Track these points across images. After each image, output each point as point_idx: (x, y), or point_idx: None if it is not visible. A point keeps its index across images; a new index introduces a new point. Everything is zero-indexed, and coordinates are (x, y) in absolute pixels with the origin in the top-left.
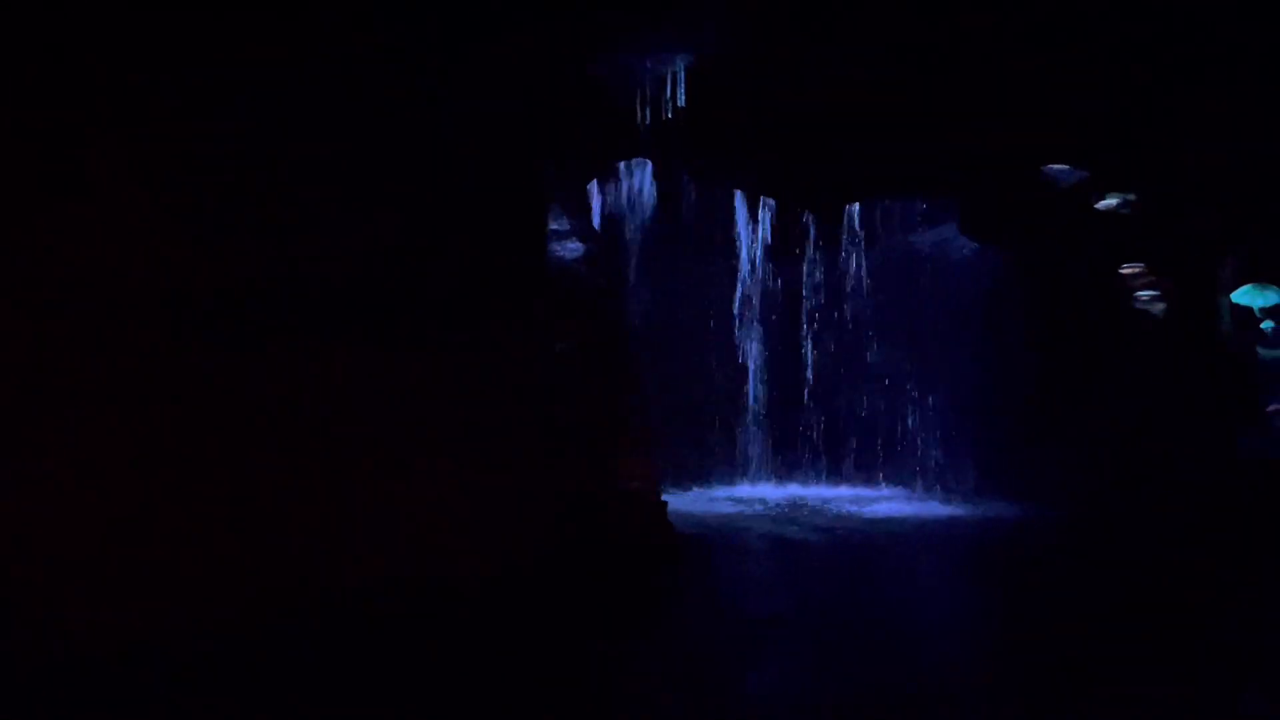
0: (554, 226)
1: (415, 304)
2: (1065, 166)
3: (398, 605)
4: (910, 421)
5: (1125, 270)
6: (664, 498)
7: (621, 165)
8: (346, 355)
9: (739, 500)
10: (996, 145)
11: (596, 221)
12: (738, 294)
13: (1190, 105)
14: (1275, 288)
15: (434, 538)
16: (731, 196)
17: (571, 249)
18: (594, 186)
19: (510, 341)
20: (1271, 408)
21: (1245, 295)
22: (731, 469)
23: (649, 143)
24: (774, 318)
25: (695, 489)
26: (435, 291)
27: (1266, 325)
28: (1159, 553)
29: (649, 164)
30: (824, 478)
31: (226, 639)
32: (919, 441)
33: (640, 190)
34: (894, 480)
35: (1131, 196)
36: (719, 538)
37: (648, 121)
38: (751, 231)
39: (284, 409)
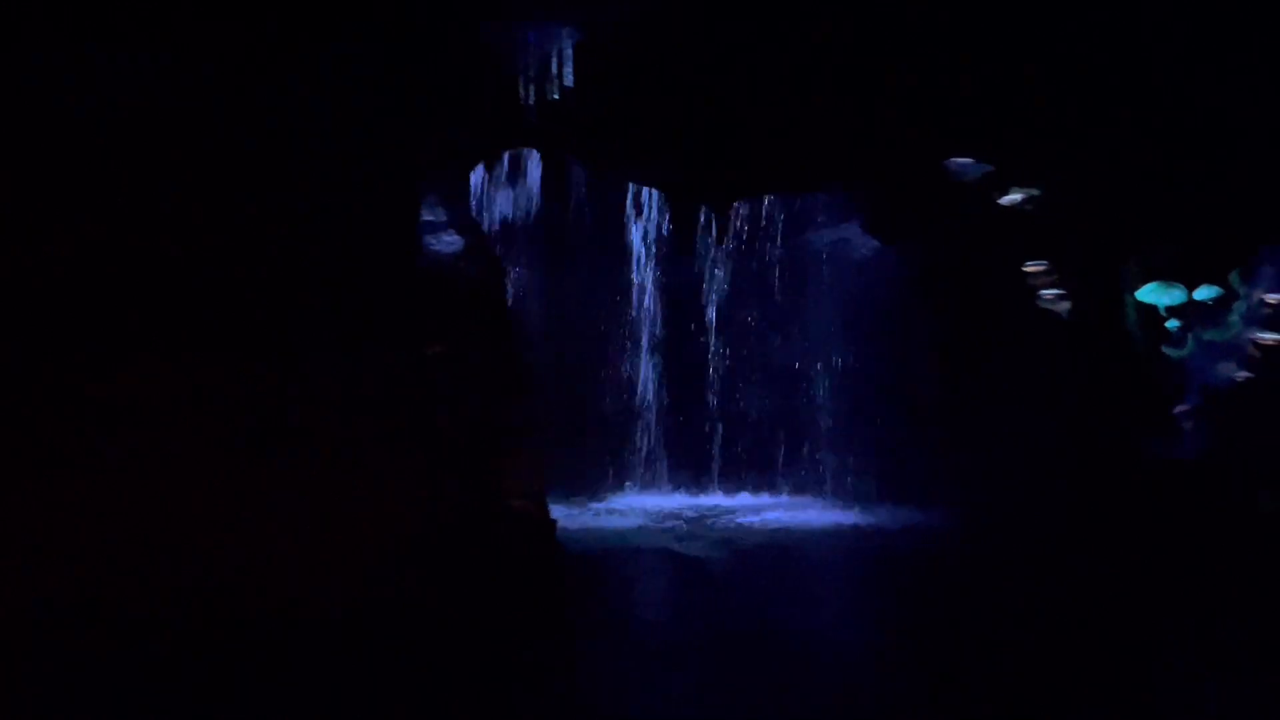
0: (429, 218)
1: (252, 306)
2: (969, 160)
3: (211, 641)
4: (812, 426)
5: (1029, 268)
6: (554, 514)
7: (508, 154)
8: (165, 364)
9: (636, 512)
10: (901, 137)
11: (480, 215)
12: (632, 292)
13: (1095, 101)
14: (1181, 286)
15: (268, 567)
16: (626, 189)
17: (449, 242)
18: (478, 177)
19: (374, 345)
20: (1178, 409)
21: (1150, 293)
22: (627, 479)
23: (536, 128)
24: (670, 318)
25: (588, 502)
26: (275, 291)
27: (1172, 324)
28: (1065, 558)
29: (537, 153)
30: (724, 485)
31: None
32: (821, 446)
33: (528, 181)
34: (796, 487)
35: (1036, 192)
36: (613, 557)
37: (532, 101)
38: (646, 226)
39: (86, 421)
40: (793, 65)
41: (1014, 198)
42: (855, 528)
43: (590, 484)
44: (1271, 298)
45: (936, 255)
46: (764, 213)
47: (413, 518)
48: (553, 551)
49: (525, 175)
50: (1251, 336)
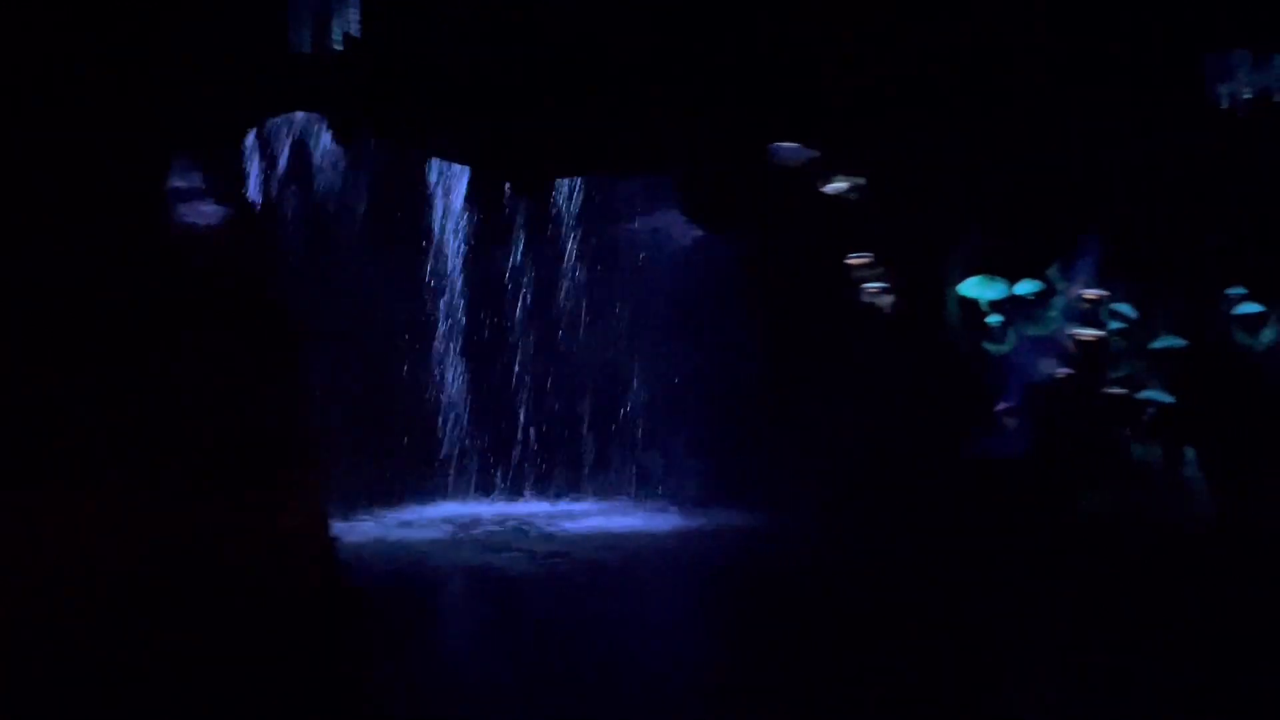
0: (181, 184)
1: None
2: (794, 145)
3: None
4: (633, 425)
5: (853, 261)
6: (344, 527)
7: (288, 121)
8: None
9: (440, 523)
10: (725, 119)
11: (256, 188)
12: (435, 281)
13: (920, 88)
14: (1003, 280)
15: None
16: (428, 166)
17: (207, 213)
18: (253, 146)
19: (104, 335)
20: (1000, 406)
21: (973, 288)
22: (430, 486)
23: (315, 88)
24: (480, 310)
25: (385, 513)
26: None
27: (994, 320)
28: (888, 559)
29: (325, 120)
30: (540, 491)
31: None
32: (642, 447)
33: (315, 152)
34: (616, 490)
35: (861, 181)
36: (412, 577)
37: (308, 53)
38: (451, 209)
39: None
40: (615, 35)
41: (839, 186)
42: (678, 532)
43: (392, 494)
44: (1089, 293)
45: (761, 245)
46: (582, 197)
47: (155, 540)
48: (334, 576)
49: (315, 145)
50: (1070, 332)
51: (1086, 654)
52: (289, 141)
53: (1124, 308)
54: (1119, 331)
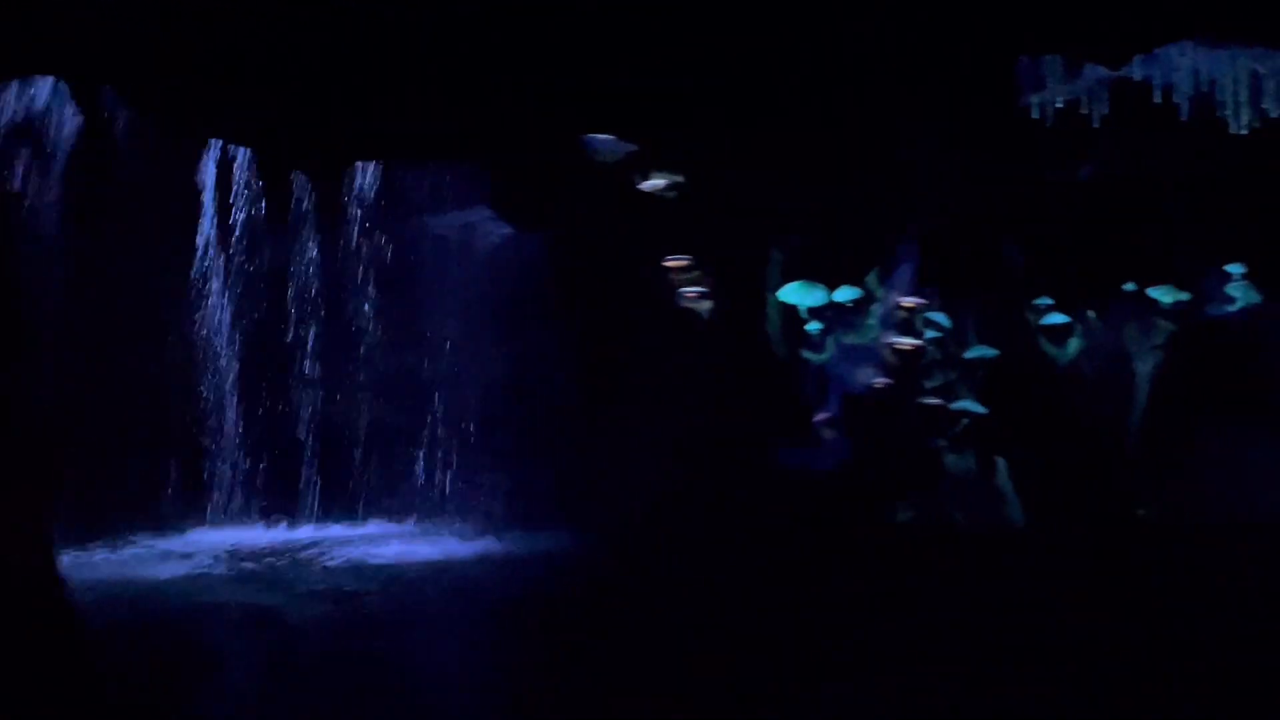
0: None
1: None
2: (609, 137)
3: None
4: (432, 440)
5: (670, 263)
6: (96, 560)
7: (34, 87)
8: None
9: (205, 552)
10: (534, 106)
11: None
12: (204, 275)
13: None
14: (823, 286)
15: None
16: (199, 144)
17: None
18: None
19: None
20: (818, 417)
21: (792, 294)
22: (194, 508)
23: (53, 47)
24: (259, 311)
25: (139, 540)
26: None
27: (813, 327)
28: (702, 580)
29: (66, 87)
30: (323, 514)
31: None
32: (442, 463)
33: (60, 121)
34: (412, 512)
35: (680, 179)
36: (163, 624)
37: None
38: (225, 193)
39: None
40: (416, 10)
41: (657, 183)
42: (480, 560)
43: (151, 519)
44: (907, 301)
45: (575, 245)
46: (379, 188)
47: None
48: (62, 618)
49: (57, 114)
50: (888, 341)
51: (895, 664)
52: (26, 112)
53: (939, 317)
54: (934, 341)
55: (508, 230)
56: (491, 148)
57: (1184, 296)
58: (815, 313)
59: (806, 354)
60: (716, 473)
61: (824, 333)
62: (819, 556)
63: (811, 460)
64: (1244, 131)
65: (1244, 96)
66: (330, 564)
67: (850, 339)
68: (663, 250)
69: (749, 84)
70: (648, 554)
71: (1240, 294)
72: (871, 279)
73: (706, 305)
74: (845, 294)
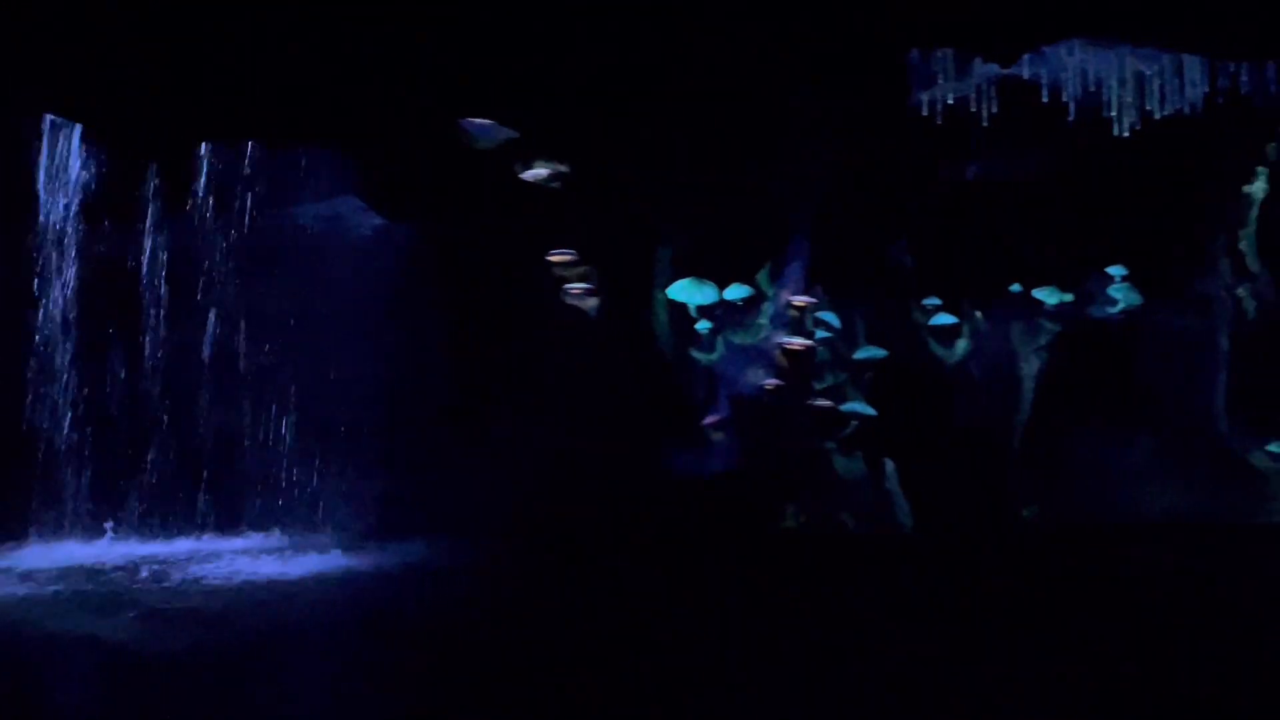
0: None
1: None
2: (488, 122)
3: None
4: (296, 445)
5: (554, 258)
6: None
7: None
8: None
9: (38, 572)
10: (404, 84)
11: None
12: (44, 268)
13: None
14: (712, 284)
15: None
16: (36, 121)
17: None
18: None
19: None
20: (707, 419)
21: (682, 291)
22: (28, 522)
23: None
24: (103, 306)
25: None
26: None
27: (702, 326)
28: (582, 592)
29: None
30: (176, 526)
31: None
32: (307, 470)
33: None
34: (275, 522)
35: (564, 168)
36: None
37: None
38: (66, 178)
39: None
40: None
41: (539, 173)
42: (348, 575)
43: None
44: (798, 300)
45: (449, 237)
46: (235, 173)
47: None
48: None
49: None
50: (779, 341)
51: (781, 671)
52: None
53: (829, 316)
54: (824, 341)
55: (378, 221)
56: (358, 130)
57: (1068, 298)
58: (704, 311)
59: (695, 354)
60: (601, 478)
61: (713, 332)
62: (706, 562)
63: (700, 463)
64: (1126, 134)
65: (1129, 98)
66: (178, 581)
67: (740, 338)
68: (545, 244)
69: (638, 68)
70: (527, 565)
71: (1121, 296)
72: (762, 277)
73: (591, 302)
74: (735, 292)
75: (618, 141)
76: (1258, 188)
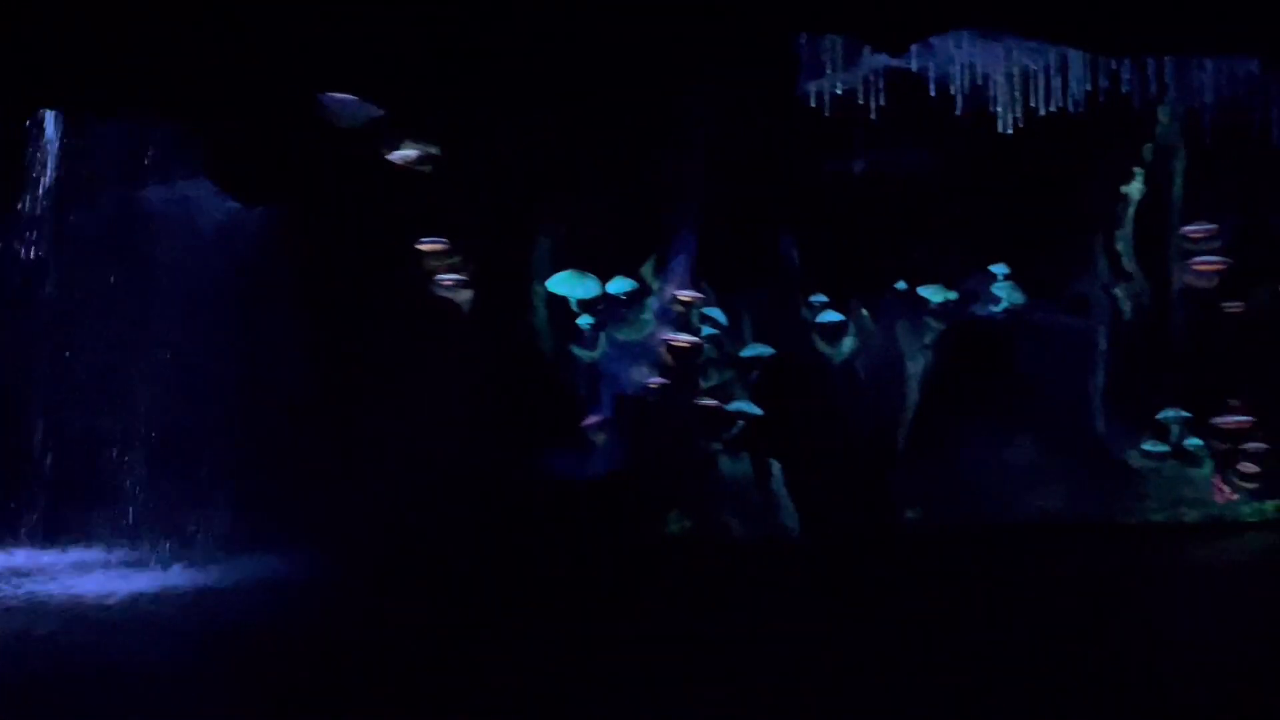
0: None
1: None
2: (350, 97)
3: None
4: (136, 447)
5: (424, 246)
6: None
7: None
8: None
9: None
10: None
11: None
12: None
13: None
14: (595, 277)
15: None
16: None
17: None
18: None
19: None
20: (588, 420)
21: (562, 284)
22: None
23: None
24: None
25: None
26: None
27: (583, 321)
28: (452, 606)
29: None
30: (10, 539)
31: None
32: (148, 475)
33: None
34: (113, 534)
35: (435, 150)
36: None
37: None
38: None
39: None
40: None
41: (407, 154)
42: (180, 594)
43: None
44: (684, 295)
45: (310, 224)
46: (78, 151)
47: None
48: None
49: None
50: (664, 337)
51: (661, 683)
52: None
53: (715, 312)
54: (711, 338)
55: (232, 205)
56: (209, 105)
57: (952, 296)
58: (586, 305)
59: (575, 350)
60: (473, 483)
61: (595, 327)
62: (587, 570)
63: (579, 466)
64: (1010, 131)
65: (1015, 93)
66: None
67: (623, 334)
68: (414, 232)
69: (516, 44)
70: (389, 579)
71: (1005, 294)
72: (647, 270)
73: (465, 295)
74: (618, 285)
75: (493, 121)
76: (1134, 188)
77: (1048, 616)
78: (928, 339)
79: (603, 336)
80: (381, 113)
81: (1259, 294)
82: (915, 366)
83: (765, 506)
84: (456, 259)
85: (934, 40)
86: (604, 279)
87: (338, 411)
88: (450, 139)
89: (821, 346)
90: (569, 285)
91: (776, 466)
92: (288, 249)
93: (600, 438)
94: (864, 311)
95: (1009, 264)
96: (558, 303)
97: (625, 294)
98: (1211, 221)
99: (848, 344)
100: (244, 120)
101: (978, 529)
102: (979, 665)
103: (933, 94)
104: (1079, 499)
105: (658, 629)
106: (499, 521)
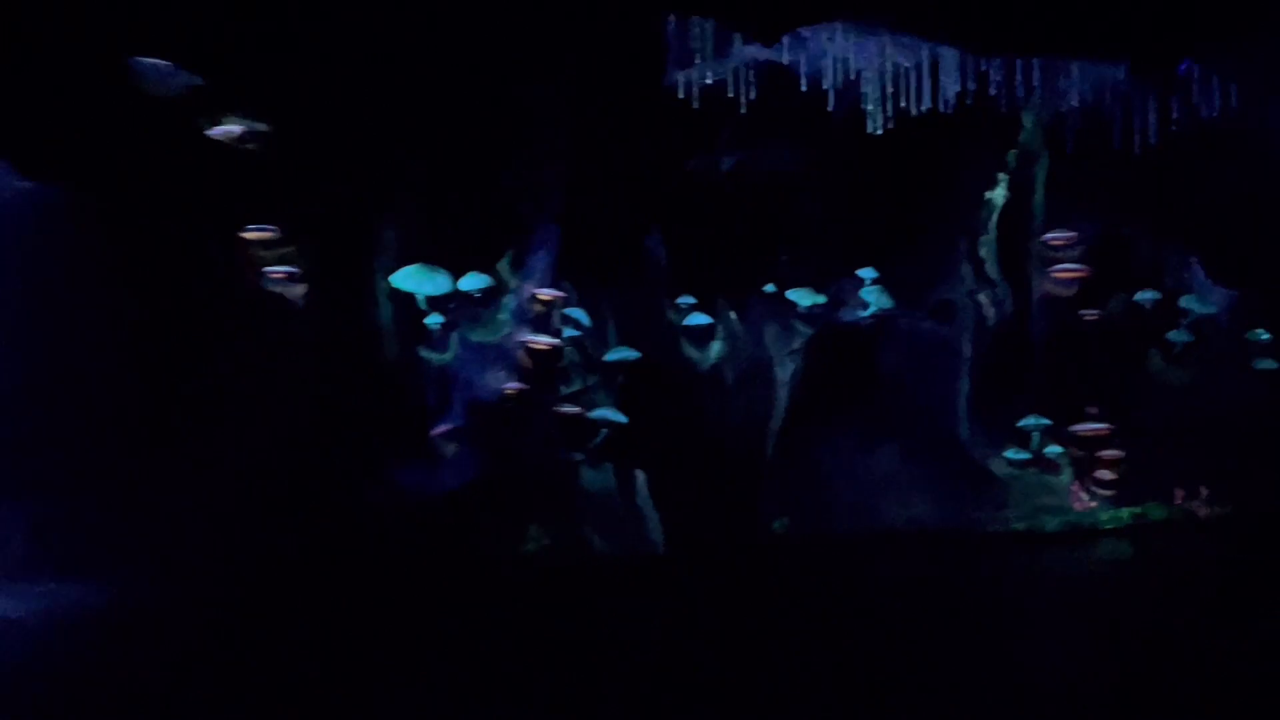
0: None
1: None
2: (164, 63)
3: None
4: None
5: (250, 235)
6: None
7: None
8: None
9: None
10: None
11: None
12: None
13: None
14: (446, 272)
15: None
16: None
17: None
18: None
19: None
20: (438, 429)
21: (408, 279)
22: None
23: None
24: None
25: None
26: None
27: (433, 321)
28: (286, 636)
29: None
30: None
31: None
32: None
33: None
34: None
35: (264, 127)
36: None
37: None
38: None
39: None
40: None
41: (231, 130)
42: None
43: None
44: (544, 293)
45: (117, 206)
46: None
47: None
48: None
49: None
50: (522, 339)
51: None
52: None
53: (578, 313)
54: (573, 340)
55: (23, 185)
56: None
57: (820, 300)
58: (436, 303)
59: (424, 353)
60: (311, 499)
61: (446, 328)
62: (437, 592)
63: (429, 480)
64: (880, 131)
65: (888, 90)
66: None
67: (477, 336)
68: (240, 218)
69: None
70: (212, 609)
71: (873, 299)
72: (503, 266)
73: (297, 290)
74: (472, 282)
75: (330, 95)
76: (998, 194)
77: (899, 627)
78: (796, 344)
79: (454, 338)
80: (201, 81)
81: (1116, 302)
82: (784, 372)
83: (629, 520)
84: (288, 250)
85: (806, 33)
86: (456, 274)
87: (153, 423)
88: (281, 114)
89: (689, 350)
90: (417, 281)
91: (641, 477)
92: (92, 236)
93: (451, 449)
94: (732, 314)
95: (877, 268)
96: (404, 300)
97: (479, 291)
98: (1071, 229)
99: (716, 348)
100: (40, 87)
101: (845, 539)
102: (833, 678)
103: (804, 89)
104: (944, 507)
105: (512, 651)
106: (338, 542)
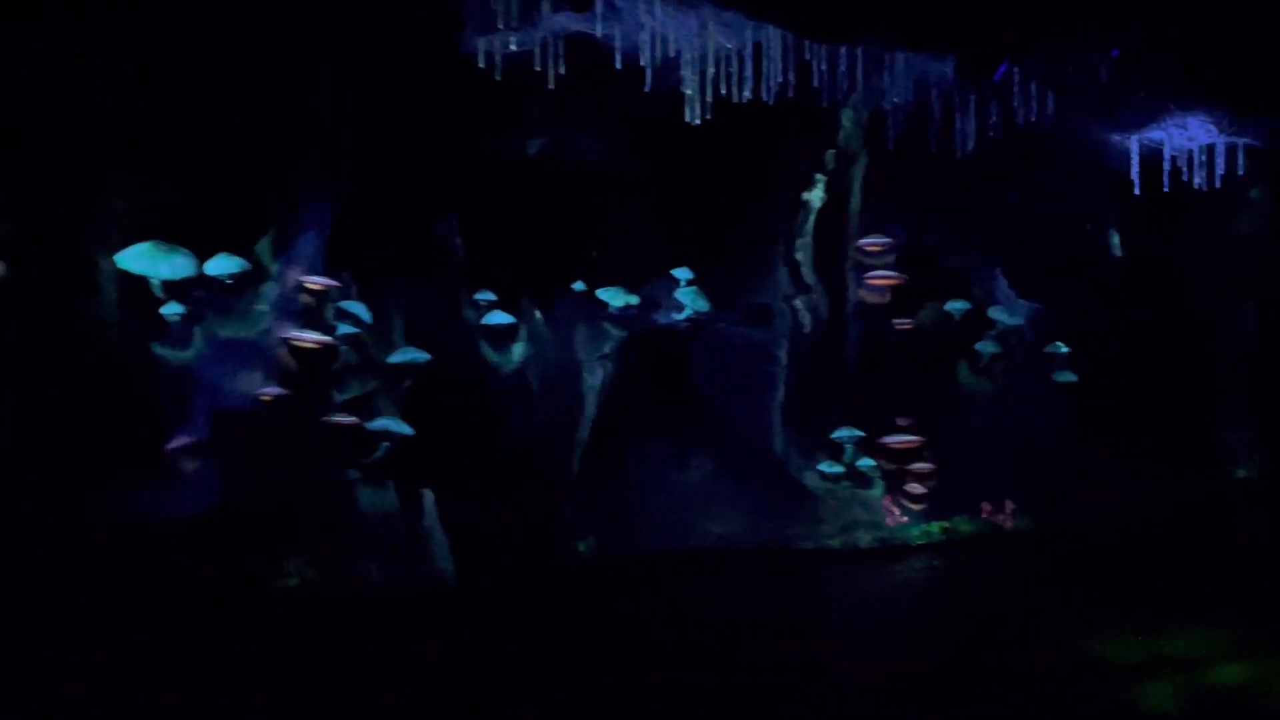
0: None
1: None
2: None
3: None
4: None
5: None
6: None
7: None
8: None
9: None
10: None
11: None
12: None
13: None
14: (188, 252)
15: None
16: None
17: None
18: None
19: None
20: (175, 441)
21: (140, 259)
22: None
23: None
24: None
25: None
26: None
27: (171, 311)
28: None
29: None
30: None
31: None
32: None
33: None
34: None
35: None
36: None
37: None
38: None
39: None
40: None
41: None
42: None
43: None
44: (312, 282)
45: None
46: None
47: None
48: None
49: None
50: (285, 336)
51: None
52: None
53: (355, 307)
54: (349, 338)
55: None
56: None
57: (633, 300)
58: (175, 290)
59: (160, 349)
60: (17, 525)
61: (188, 319)
62: (172, 636)
63: (165, 503)
64: (698, 121)
65: (707, 75)
66: None
67: (228, 330)
68: None
69: None
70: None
71: (689, 301)
72: (263, 247)
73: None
74: (222, 265)
75: (43, 39)
76: (815, 196)
77: (712, 651)
78: (607, 347)
79: (198, 332)
80: None
81: (927, 311)
82: (593, 378)
83: (414, 548)
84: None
85: (621, 2)
86: (201, 256)
87: None
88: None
89: (488, 353)
90: (150, 262)
91: (429, 498)
92: None
93: (192, 465)
94: (538, 314)
95: (692, 269)
96: (135, 285)
97: (231, 277)
98: (886, 235)
99: (518, 350)
100: None
101: (654, 560)
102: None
103: (619, 66)
104: (757, 524)
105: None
106: (52, 580)
